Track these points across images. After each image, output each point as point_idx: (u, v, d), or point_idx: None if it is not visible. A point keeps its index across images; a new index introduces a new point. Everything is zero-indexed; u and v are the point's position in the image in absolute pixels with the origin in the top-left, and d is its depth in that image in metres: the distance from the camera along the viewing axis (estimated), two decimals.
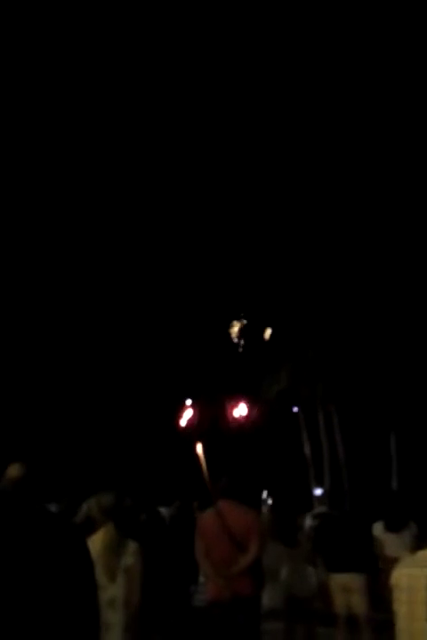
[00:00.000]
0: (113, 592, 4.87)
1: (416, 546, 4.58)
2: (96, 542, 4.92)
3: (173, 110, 27.01)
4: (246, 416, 27.10)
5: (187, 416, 25.92)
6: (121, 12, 26.14)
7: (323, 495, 23.04)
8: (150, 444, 27.53)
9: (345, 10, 24.07)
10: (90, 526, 5.06)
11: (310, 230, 25.84)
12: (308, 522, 11.99)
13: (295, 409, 28.18)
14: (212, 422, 27.40)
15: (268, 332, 27.63)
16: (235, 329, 30.64)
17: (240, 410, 27.06)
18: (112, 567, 4.90)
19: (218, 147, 27.09)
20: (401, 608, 3.56)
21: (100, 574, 4.84)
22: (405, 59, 23.36)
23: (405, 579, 3.57)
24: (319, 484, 26.26)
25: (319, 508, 13.88)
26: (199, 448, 21.67)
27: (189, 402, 26.93)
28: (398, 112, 23.50)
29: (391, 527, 7.96)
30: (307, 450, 28.01)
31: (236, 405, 27.26)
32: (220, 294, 28.90)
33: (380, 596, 7.46)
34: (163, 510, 10.33)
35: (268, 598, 7.84)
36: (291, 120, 25.43)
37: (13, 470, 3.12)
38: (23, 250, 26.39)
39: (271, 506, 15.20)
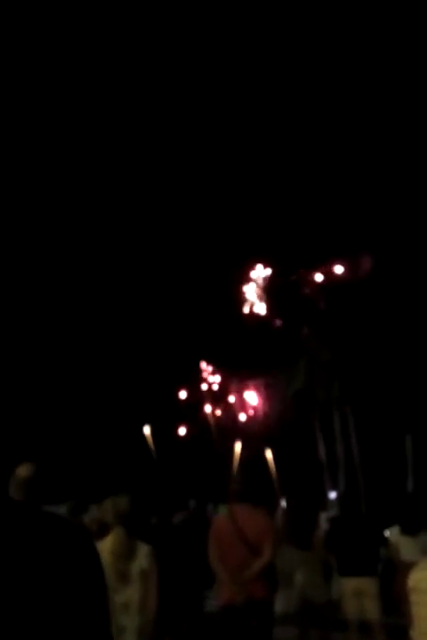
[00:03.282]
0: (127, 596, 4.85)
1: None
2: (106, 546, 4.90)
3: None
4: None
5: None
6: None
7: (336, 498, 22.93)
8: (161, 446, 27.38)
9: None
10: (102, 529, 5.04)
11: (324, 229, 25.69)
12: (323, 524, 11.86)
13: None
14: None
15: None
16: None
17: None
18: (123, 571, 4.88)
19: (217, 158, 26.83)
20: (422, 610, 3.52)
21: (111, 578, 4.83)
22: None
23: (425, 581, 3.54)
24: (334, 487, 26.11)
25: (331, 512, 13.76)
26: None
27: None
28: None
29: (407, 530, 7.85)
30: (322, 452, 27.86)
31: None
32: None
33: (393, 600, 7.40)
34: (176, 514, 10.29)
35: (282, 603, 7.79)
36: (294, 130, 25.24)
37: (23, 470, 3.10)
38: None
39: (285, 509, 15.10)
